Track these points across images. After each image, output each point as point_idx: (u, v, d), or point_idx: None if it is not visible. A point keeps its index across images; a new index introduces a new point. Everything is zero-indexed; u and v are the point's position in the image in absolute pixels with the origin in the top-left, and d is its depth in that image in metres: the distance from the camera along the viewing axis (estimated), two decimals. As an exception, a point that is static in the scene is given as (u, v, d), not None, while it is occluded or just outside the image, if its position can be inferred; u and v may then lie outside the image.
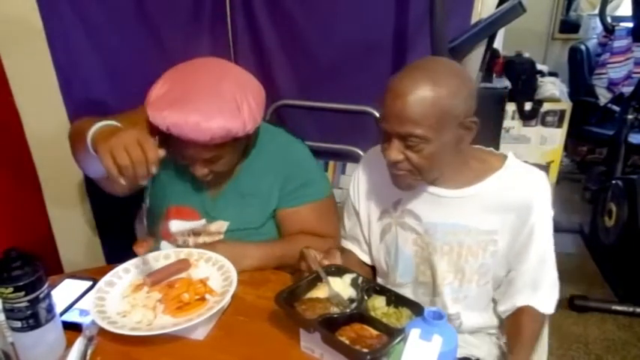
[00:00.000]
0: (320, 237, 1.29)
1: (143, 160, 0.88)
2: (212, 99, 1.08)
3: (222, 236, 1.29)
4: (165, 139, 1.09)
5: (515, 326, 1.07)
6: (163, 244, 1.31)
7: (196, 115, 1.04)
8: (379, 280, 1.20)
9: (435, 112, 0.92)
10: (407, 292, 1.13)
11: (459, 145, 0.98)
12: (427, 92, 0.91)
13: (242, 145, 1.22)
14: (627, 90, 3.07)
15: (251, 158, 1.30)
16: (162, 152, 0.92)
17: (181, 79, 1.12)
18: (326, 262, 1.02)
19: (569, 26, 4.16)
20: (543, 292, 1.06)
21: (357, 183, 1.20)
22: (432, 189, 1.07)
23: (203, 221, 1.29)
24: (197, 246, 1.25)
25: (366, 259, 1.24)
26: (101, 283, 1.04)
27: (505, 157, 1.08)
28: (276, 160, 1.30)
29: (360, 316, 0.91)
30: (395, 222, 1.13)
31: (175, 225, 1.30)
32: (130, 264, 1.11)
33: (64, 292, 1.09)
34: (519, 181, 1.04)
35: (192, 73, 1.14)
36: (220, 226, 1.29)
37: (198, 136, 1.05)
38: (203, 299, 1.01)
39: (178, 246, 1.29)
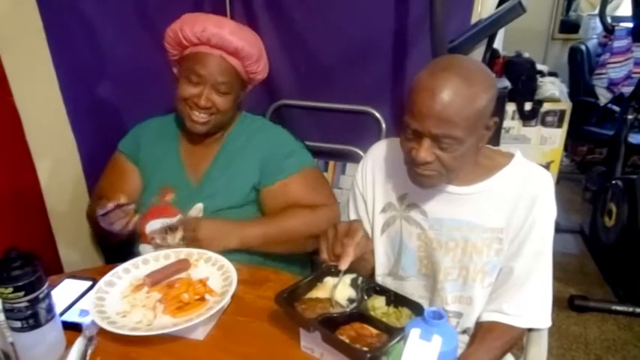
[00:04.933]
0: (311, 208, 1.28)
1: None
2: (241, 27, 1.32)
3: None
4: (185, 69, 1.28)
5: (481, 332, 1.05)
6: (142, 247, 1.31)
7: (229, 28, 1.25)
8: (378, 273, 1.19)
9: (473, 113, 0.90)
10: (409, 285, 1.13)
11: (478, 145, 0.98)
12: (466, 93, 0.89)
13: (238, 98, 1.35)
14: (627, 90, 3.06)
15: (232, 137, 1.37)
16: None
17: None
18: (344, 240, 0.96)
19: (569, 26, 4.16)
20: (526, 301, 1.04)
21: (365, 173, 1.18)
22: None
23: (179, 216, 1.30)
24: (178, 243, 1.24)
25: None
26: (101, 283, 1.04)
27: (512, 155, 1.07)
28: (256, 138, 1.37)
29: (360, 315, 0.91)
30: (400, 215, 1.12)
31: (153, 224, 1.30)
32: (130, 264, 1.11)
33: (64, 292, 1.09)
34: (525, 178, 1.03)
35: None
36: (196, 214, 1.30)
37: (228, 42, 1.24)
38: (203, 299, 1.01)
39: (157, 245, 1.27)
